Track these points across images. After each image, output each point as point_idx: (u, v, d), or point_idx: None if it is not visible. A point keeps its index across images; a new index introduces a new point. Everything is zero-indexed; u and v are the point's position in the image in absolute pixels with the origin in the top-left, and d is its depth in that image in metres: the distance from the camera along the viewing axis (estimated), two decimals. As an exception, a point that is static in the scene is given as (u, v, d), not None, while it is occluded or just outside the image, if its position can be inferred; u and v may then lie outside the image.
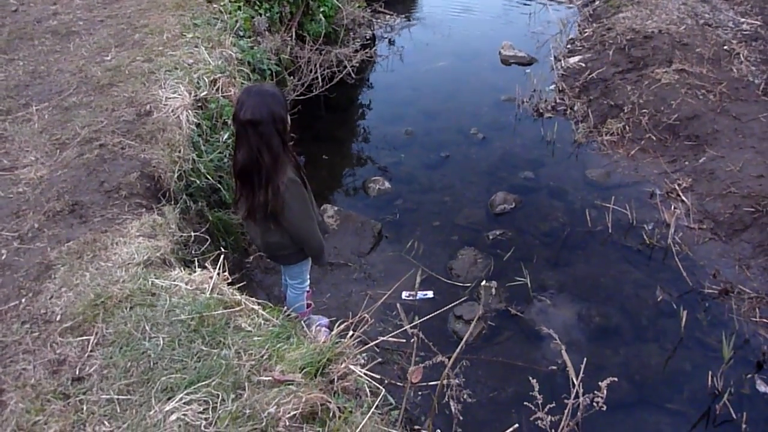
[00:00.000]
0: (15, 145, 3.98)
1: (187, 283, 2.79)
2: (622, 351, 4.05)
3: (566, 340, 4.10)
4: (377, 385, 2.48)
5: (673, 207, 5.00)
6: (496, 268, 4.72)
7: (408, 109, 7.06)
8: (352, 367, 2.45)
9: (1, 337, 2.57)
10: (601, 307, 4.36)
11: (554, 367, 3.94)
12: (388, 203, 5.50)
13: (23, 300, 2.76)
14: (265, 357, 2.45)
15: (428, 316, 3.19)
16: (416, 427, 3.40)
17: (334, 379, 2.47)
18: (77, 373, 2.37)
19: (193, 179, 3.99)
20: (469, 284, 4.58)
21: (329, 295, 4.52)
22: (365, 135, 6.72)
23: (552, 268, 4.71)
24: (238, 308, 2.67)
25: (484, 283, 4.51)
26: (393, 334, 2.89)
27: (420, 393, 3.71)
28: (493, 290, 4.47)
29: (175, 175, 3.82)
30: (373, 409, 2.32)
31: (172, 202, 3.66)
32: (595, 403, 2.68)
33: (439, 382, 3.07)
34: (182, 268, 2.99)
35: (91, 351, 2.45)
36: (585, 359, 2.98)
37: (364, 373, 2.44)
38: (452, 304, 4.15)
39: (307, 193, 3.17)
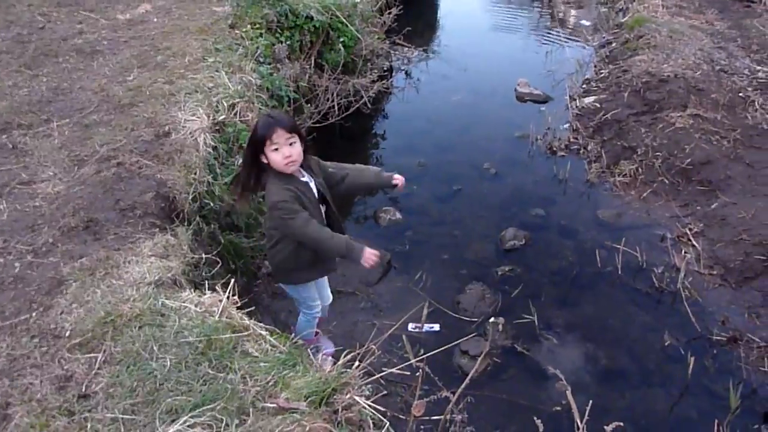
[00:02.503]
0: (34, 160, 4.04)
1: (196, 305, 2.81)
2: (628, 394, 4.01)
3: (571, 381, 4.03)
4: (381, 417, 2.47)
5: (683, 251, 4.99)
6: (503, 304, 4.70)
7: (422, 142, 7.11)
8: (357, 398, 2.45)
9: (10, 350, 2.59)
10: (608, 348, 4.33)
11: (558, 408, 3.90)
12: (399, 234, 5.51)
13: (34, 314, 2.79)
14: (270, 383, 2.45)
15: (435, 351, 3.19)
16: (418, 461, 3.37)
17: (338, 409, 2.46)
18: (83, 390, 2.38)
19: (207, 201, 4.03)
20: (476, 319, 4.56)
21: (335, 323, 4.52)
22: (378, 165, 6.75)
23: (560, 307, 4.69)
24: (246, 333, 2.68)
25: (492, 319, 4.53)
26: (399, 366, 2.88)
27: (422, 427, 3.68)
28: (500, 327, 4.47)
29: (190, 197, 3.86)
30: (376, 442, 2.31)
31: (186, 224, 3.70)
32: (600, 447, 2.65)
33: (442, 417, 3.06)
34: (192, 290, 3.01)
35: (98, 369, 2.46)
36: (591, 402, 2.96)
37: (369, 405, 2.44)
38: (460, 340, 4.14)
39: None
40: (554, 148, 6.70)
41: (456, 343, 4.17)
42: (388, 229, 5.59)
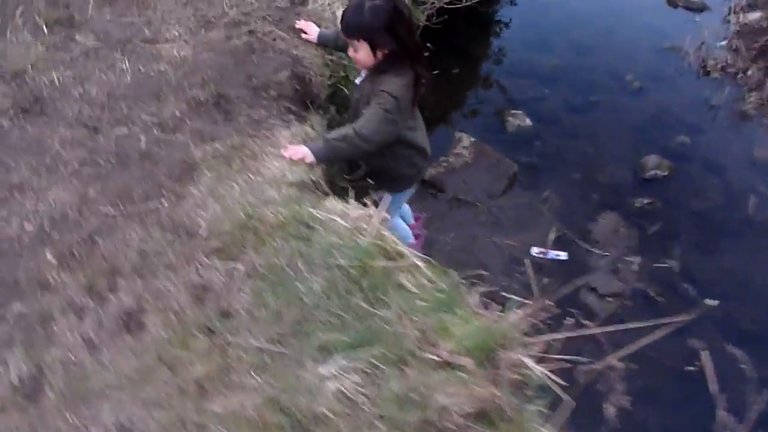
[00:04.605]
0: (157, 15, 3.63)
1: (343, 218, 2.45)
2: (771, 361, 3.64)
3: (707, 339, 3.74)
4: (556, 386, 2.11)
5: None
6: (639, 240, 4.27)
7: (557, 39, 6.38)
8: (526, 360, 2.10)
9: (141, 243, 2.30)
10: (752, 309, 3.95)
11: (691, 368, 3.58)
12: (526, 143, 5.03)
13: (165, 203, 2.47)
14: (431, 328, 2.11)
15: (568, 288, 2.85)
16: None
17: (500, 366, 2.13)
18: (224, 306, 2.09)
19: (341, 87, 3.61)
20: (607, 254, 4.15)
21: (453, 235, 4.19)
22: (507, 59, 6.13)
23: (701, 254, 4.26)
24: (401, 262, 2.32)
25: (626, 257, 4.12)
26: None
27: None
28: (635, 267, 4.08)
29: (327, 81, 3.44)
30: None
31: (321, 112, 3.30)
32: None
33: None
34: (336, 197, 2.64)
35: (240, 283, 2.16)
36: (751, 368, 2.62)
37: (543, 372, 2.08)
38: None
39: None
40: (708, 68, 5.91)
41: (586, 281, 3.83)
42: (515, 135, 5.09)
